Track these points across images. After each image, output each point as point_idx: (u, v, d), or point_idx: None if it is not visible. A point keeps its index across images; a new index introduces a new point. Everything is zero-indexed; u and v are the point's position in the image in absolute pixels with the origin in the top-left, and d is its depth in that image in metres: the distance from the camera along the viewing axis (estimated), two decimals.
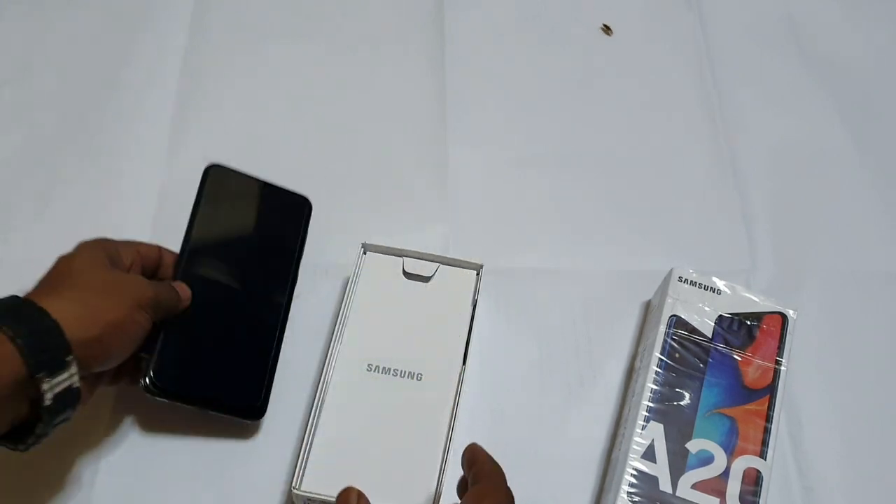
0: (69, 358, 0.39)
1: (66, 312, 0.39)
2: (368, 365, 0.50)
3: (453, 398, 0.49)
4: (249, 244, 0.54)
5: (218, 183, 0.54)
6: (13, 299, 0.40)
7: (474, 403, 0.53)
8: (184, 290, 0.49)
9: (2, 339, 0.37)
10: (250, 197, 0.55)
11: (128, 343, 0.44)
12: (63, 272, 0.43)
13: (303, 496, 0.46)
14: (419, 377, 0.50)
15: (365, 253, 0.54)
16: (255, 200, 0.55)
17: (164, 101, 0.66)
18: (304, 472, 0.46)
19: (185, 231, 0.52)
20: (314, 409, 0.48)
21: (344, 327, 0.51)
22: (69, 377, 0.39)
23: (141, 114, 0.66)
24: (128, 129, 0.65)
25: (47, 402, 0.38)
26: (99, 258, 0.44)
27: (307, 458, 0.47)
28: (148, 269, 0.49)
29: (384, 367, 0.50)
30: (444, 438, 0.48)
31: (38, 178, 0.62)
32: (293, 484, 0.46)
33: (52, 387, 0.38)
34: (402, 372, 0.50)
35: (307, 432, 0.48)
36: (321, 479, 0.46)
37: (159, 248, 0.50)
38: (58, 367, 0.38)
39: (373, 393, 0.50)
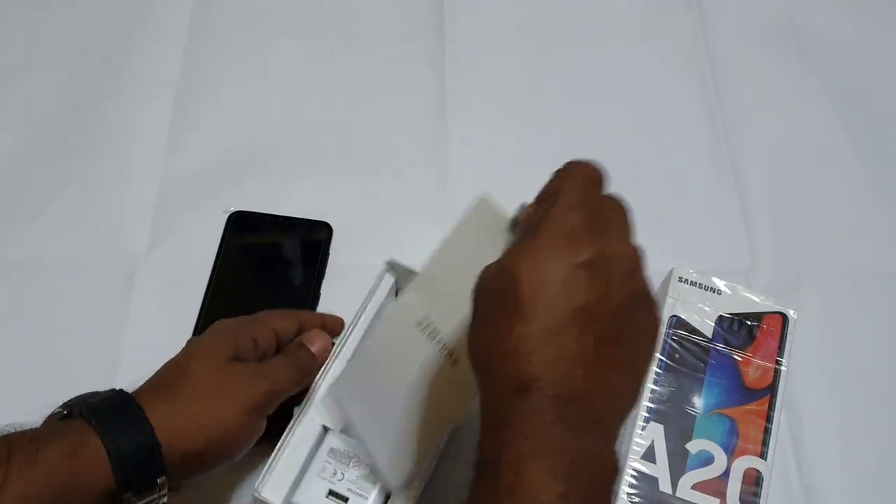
0: (161, 480, 0.37)
1: (171, 423, 0.38)
2: (421, 321, 0.42)
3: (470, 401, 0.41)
4: (273, 274, 0.58)
5: (240, 226, 0.59)
6: (122, 398, 0.38)
7: (475, 404, 0.53)
8: (320, 340, 0.47)
9: (98, 446, 0.36)
10: (272, 232, 0.59)
11: (229, 456, 0.41)
12: (182, 370, 0.41)
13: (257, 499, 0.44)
14: (455, 361, 0.42)
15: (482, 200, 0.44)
16: (277, 235, 0.59)
17: (163, 101, 0.66)
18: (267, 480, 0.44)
19: (211, 270, 0.57)
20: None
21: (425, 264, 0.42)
22: (157, 497, 0.38)
23: (140, 113, 0.66)
24: (128, 129, 0.65)
25: None
26: (221, 352, 0.42)
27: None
28: (286, 339, 0.48)
29: (434, 330, 0.42)
30: (447, 430, 0.45)
31: (38, 177, 0.62)
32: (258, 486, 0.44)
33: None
34: (444, 346, 0.42)
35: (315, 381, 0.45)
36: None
37: (297, 317, 0.49)
38: (147, 487, 0.37)
39: (410, 354, 0.42)
